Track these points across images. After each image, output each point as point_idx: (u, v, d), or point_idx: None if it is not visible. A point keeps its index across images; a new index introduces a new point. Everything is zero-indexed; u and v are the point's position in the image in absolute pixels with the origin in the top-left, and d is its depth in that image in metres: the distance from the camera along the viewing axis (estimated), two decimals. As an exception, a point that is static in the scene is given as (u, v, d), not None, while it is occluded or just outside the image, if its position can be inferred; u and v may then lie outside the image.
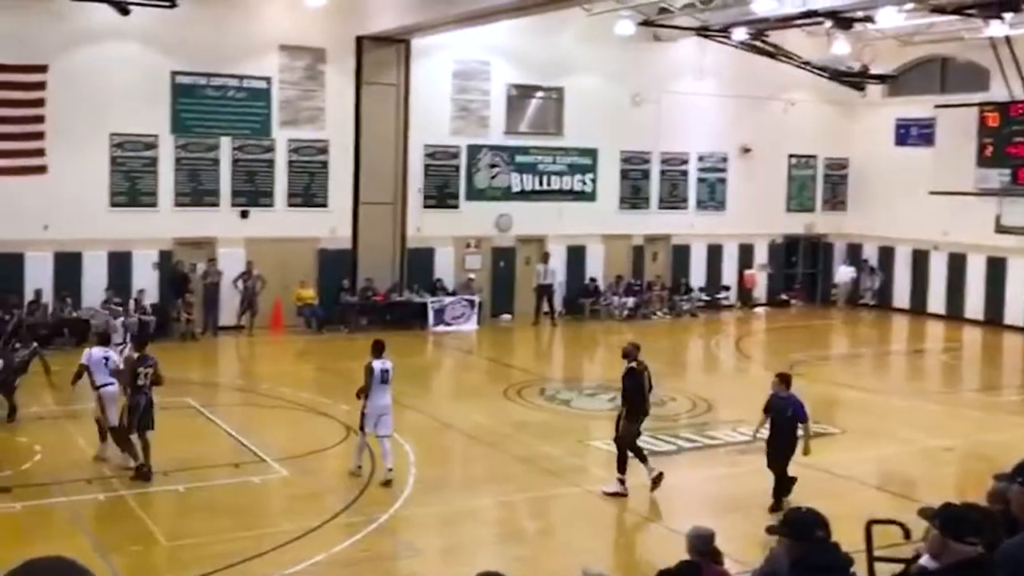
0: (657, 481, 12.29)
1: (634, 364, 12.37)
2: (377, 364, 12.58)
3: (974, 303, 27.50)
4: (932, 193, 27.43)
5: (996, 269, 26.86)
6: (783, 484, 11.88)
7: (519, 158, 26.33)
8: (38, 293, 21.20)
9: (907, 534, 7.96)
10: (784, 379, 12.10)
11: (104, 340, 14.58)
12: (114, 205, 22.10)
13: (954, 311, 27.83)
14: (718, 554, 7.52)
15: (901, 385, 20.71)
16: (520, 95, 26.51)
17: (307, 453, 13.78)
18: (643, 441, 14.64)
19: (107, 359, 13.37)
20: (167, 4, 20.64)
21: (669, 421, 16.18)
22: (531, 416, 16.41)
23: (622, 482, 12.26)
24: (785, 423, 11.89)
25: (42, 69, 20.95)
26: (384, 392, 12.61)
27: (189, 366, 19.59)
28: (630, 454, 12.32)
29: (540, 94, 26.84)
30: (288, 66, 23.54)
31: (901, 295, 29.36)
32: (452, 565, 10.50)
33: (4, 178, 20.73)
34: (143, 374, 12.68)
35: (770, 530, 5.29)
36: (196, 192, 22.87)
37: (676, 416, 16.57)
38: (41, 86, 20.98)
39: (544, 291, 25.90)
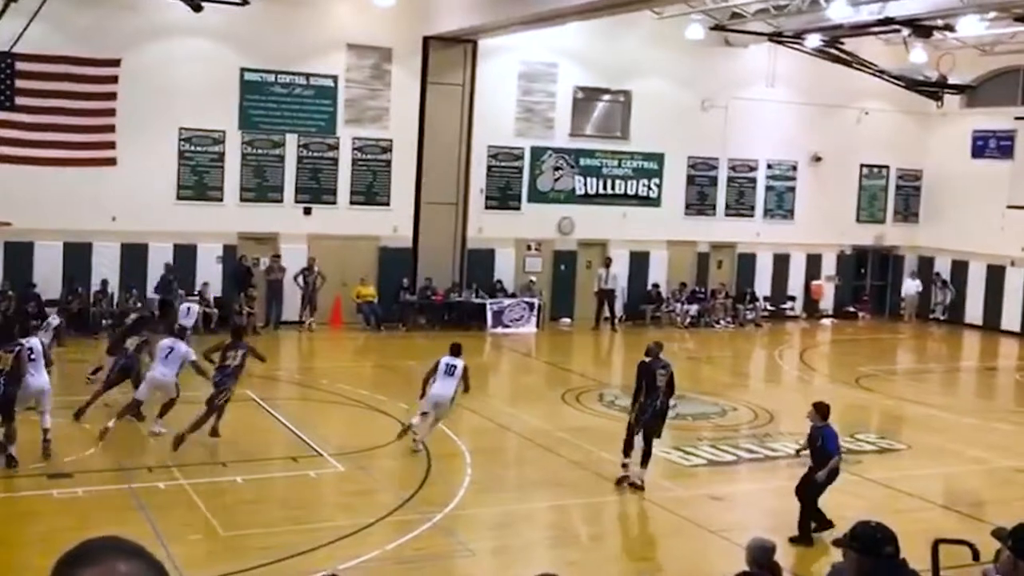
0: (620, 481, 12.55)
1: (645, 359, 12.70)
2: (444, 359, 13.72)
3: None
4: (1011, 207, 26.68)
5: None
6: (807, 515, 11.09)
7: (583, 161, 26.14)
8: (104, 283, 21.58)
9: (976, 555, 7.65)
10: (819, 409, 11.39)
11: (172, 331, 14.86)
12: (181, 198, 22.40)
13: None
14: (777, 567, 7.31)
15: (971, 403, 20.10)
16: (586, 98, 26.33)
17: (364, 449, 13.76)
18: (704, 451, 14.49)
19: (172, 349, 13.75)
20: (239, 1, 20.87)
21: (730, 431, 15.90)
22: (588, 421, 16.21)
23: (624, 466, 12.62)
24: (815, 454, 11.23)
25: (115, 63, 21.30)
26: (443, 383, 13.52)
27: (251, 360, 19.73)
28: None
29: (607, 97, 26.63)
30: (355, 65, 23.66)
31: (974, 311, 28.55)
32: (506, 566, 10.38)
33: (75, 169, 21.14)
34: (231, 357, 13.52)
35: (836, 543, 5.08)
36: (261, 188, 23.09)
37: (737, 426, 16.27)
38: (113, 79, 21.33)
39: (605, 296, 25.67)
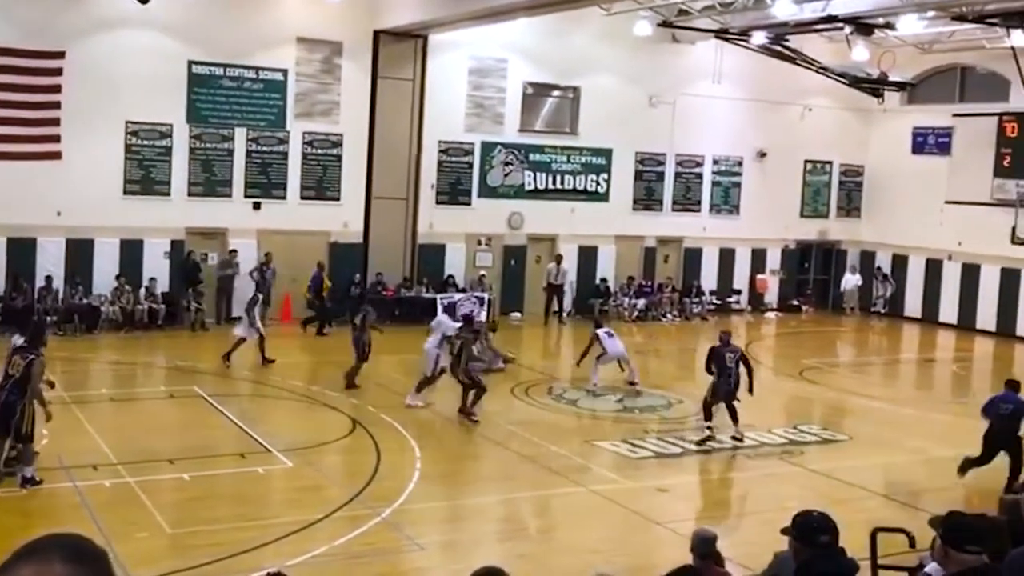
0: (701, 443, 14.73)
1: (716, 344, 15.12)
2: (601, 331, 18.31)
3: (986, 314, 27.34)
4: (948, 203, 27.35)
5: (1010, 280, 26.69)
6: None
7: (533, 156, 26.30)
8: (49, 279, 21.27)
9: (912, 542, 7.92)
10: (1010, 384, 13.54)
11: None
12: (127, 193, 22.14)
13: (966, 321, 27.67)
14: (719, 557, 7.50)
15: (910, 394, 20.60)
16: (536, 93, 26.48)
17: (313, 445, 13.78)
18: (651, 443, 14.72)
19: (439, 323, 17.55)
20: (186, -7, 20.69)
21: (676, 424, 16.15)
22: (538, 415, 16.37)
23: (708, 428, 15.02)
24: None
25: (60, 55, 21.01)
26: (613, 343, 18.15)
27: (199, 356, 19.65)
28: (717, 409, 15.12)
29: (556, 93, 26.80)
30: (305, 59, 23.56)
31: (913, 304, 29.21)
32: (455, 560, 10.47)
33: (19, 163, 20.81)
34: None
35: (784, 531, 5.28)
36: (209, 182, 22.90)
37: (684, 419, 16.51)
38: (58, 72, 21.03)
39: (555, 291, 25.87)
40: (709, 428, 14.92)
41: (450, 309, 24.43)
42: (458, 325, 17.00)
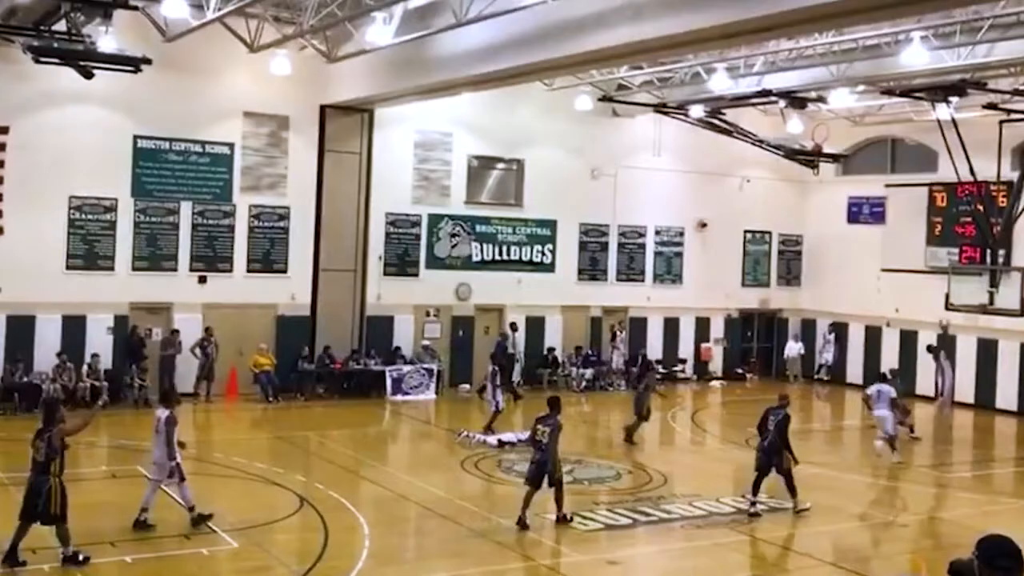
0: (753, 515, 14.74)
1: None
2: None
3: (925, 380, 27.89)
4: (884, 270, 28.07)
5: (946, 346, 27.28)
6: None
7: (479, 228, 26.58)
8: (-11, 356, 20.88)
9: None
10: None
11: None
12: (70, 268, 21.91)
13: (906, 387, 28.14)
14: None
15: (855, 460, 20.86)
16: (481, 166, 26.87)
17: (259, 524, 13.56)
18: (601, 515, 14.71)
19: (879, 391, 19.03)
20: (131, 69, 20.66)
21: (626, 495, 16.19)
22: (488, 489, 16.30)
23: (752, 503, 14.98)
24: None
25: (3, 130, 20.90)
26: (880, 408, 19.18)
27: (142, 434, 19.26)
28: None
29: (501, 165, 27.22)
30: (251, 132, 23.69)
31: (855, 370, 29.73)
32: (406, 641, 10.35)
33: (-41, 239, 20.52)
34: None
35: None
36: (154, 256, 22.75)
37: (633, 490, 16.57)
38: (1, 147, 20.89)
39: (512, 361, 26.01)
40: (753, 504, 14.89)
41: (398, 382, 24.35)
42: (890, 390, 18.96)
